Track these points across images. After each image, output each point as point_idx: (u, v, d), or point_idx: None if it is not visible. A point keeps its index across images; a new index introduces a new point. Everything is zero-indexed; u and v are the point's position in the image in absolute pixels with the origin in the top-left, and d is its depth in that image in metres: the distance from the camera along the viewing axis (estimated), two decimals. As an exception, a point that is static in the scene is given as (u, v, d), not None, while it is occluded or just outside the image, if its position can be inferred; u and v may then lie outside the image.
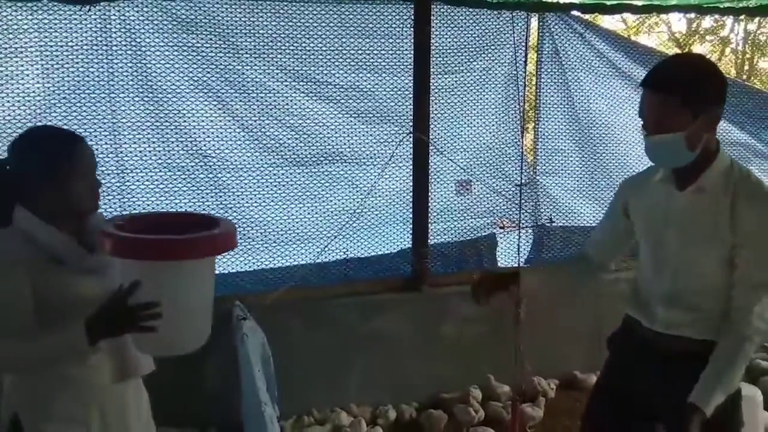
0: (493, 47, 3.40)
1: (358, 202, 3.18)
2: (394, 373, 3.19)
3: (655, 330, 1.57)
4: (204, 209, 2.91)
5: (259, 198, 3.08)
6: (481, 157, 3.47)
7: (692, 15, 12.37)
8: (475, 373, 3.29)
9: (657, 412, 1.61)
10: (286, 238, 3.17)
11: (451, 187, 3.40)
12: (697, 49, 14.22)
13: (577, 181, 3.69)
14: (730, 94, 4.21)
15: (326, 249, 3.12)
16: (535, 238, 3.64)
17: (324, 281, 3.15)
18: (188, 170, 2.92)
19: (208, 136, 2.93)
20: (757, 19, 13.28)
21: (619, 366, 1.74)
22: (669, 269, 1.48)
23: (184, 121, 2.88)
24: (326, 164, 3.21)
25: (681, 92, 1.42)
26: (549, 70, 3.53)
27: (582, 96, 3.59)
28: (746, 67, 13.66)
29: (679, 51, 13.75)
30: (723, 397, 1.35)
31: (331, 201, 3.22)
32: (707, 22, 13.14)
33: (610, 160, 3.71)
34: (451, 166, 3.32)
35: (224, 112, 2.95)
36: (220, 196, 3.01)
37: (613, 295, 3.88)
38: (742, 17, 13.20)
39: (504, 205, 3.53)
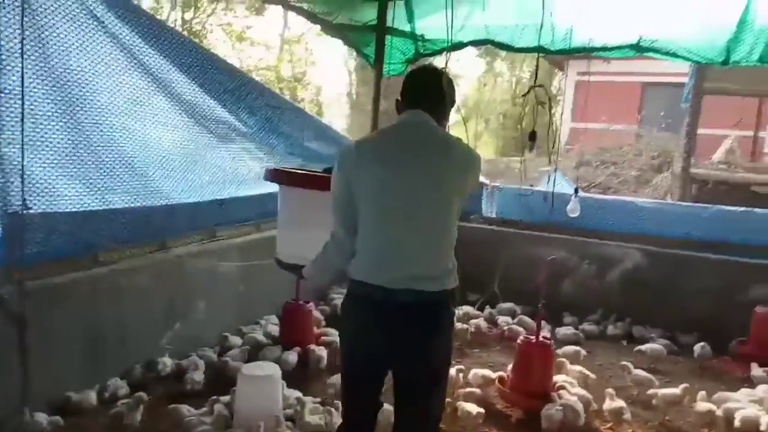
0: None
1: None
2: None
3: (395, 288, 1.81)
4: None
5: None
6: None
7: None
8: None
9: (391, 363, 1.92)
10: None
11: None
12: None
13: (59, 154, 2.92)
14: (211, 71, 4.10)
15: None
16: (5, 232, 2.70)
17: None
18: None
19: None
20: (193, 8, 14.41)
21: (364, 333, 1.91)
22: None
23: None
24: None
25: None
26: (6, 4, 2.60)
27: (59, 47, 2.83)
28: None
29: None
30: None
31: None
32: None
33: (95, 131, 3.10)
34: None
35: None
36: None
37: (110, 293, 3.35)
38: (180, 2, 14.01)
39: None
